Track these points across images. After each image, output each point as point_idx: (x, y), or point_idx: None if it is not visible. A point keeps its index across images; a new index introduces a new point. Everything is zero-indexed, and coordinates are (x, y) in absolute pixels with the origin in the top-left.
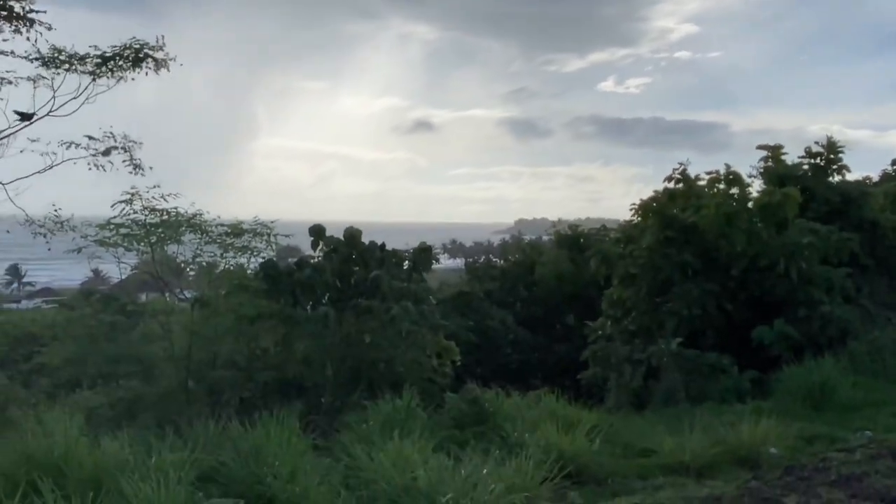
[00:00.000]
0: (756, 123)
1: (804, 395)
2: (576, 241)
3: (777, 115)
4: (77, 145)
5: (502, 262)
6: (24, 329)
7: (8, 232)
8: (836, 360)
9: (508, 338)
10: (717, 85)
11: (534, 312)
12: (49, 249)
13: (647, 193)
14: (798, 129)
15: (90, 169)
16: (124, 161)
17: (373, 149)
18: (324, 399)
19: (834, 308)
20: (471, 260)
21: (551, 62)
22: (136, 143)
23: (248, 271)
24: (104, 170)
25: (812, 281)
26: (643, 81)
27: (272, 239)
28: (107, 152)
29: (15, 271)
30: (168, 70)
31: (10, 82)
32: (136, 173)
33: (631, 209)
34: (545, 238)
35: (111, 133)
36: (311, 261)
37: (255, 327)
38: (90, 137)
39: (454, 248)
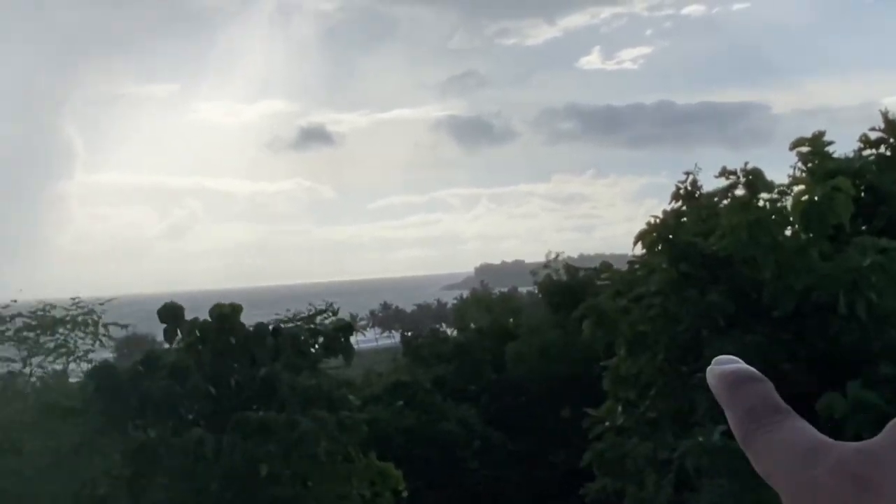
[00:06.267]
0: (808, 100)
1: None
2: (570, 292)
3: (837, 86)
4: None
5: (456, 332)
6: None
7: None
8: None
9: (473, 446)
10: (747, 50)
11: (509, 405)
12: None
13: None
14: (868, 104)
15: None
16: None
17: (251, 177)
18: None
19: None
20: (409, 334)
21: (507, 33)
22: None
23: (74, 379)
24: None
25: (890, 320)
26: (642, 52)
27: (101, 330)
28: None
29: None
30: None
31: None
32: None
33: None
34: (524, 290)
35: None
36: (168, 357)
37: (81, 467)
38: None
39: (387, 316)
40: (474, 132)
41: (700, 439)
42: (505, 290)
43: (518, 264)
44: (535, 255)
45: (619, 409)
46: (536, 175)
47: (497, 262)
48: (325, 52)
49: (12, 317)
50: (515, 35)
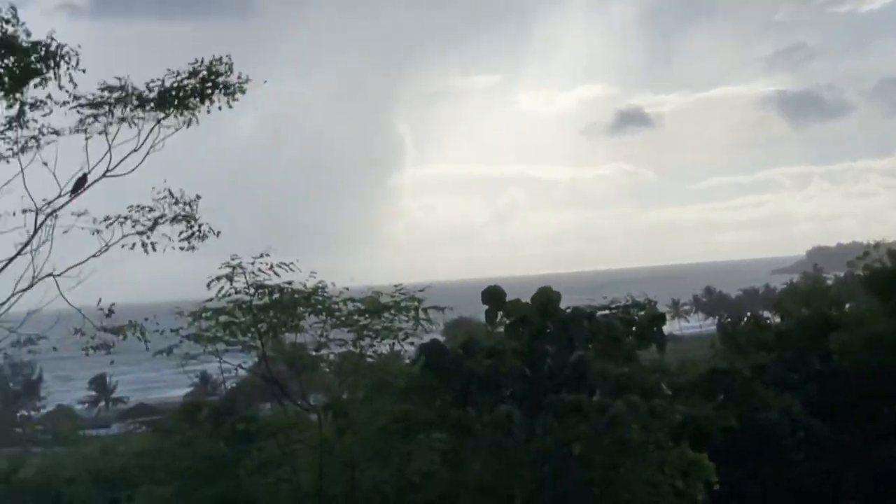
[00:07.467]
0: None
1: None
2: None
3: None
4: (123, 219)
5: (779, 318)
6: (108, 464)
7: (81, 333)
8: None
9: (797, 437)
10: None
11: (836, 396)
12: (148, 348)
13: None
14: None
15: (140, 248)
16: (181, 233)
17: (570, 164)
18: None
19: None
20: (727, 320)
21: (839, 0)
22: (192, 204)
23: (405, 359)
24: (153, 249)
25: None
26: None
27: (421, 314)
28: (153, 226)
29: (101, 385)
30: (239, 94)
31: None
32: (190, 248)
33: None
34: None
35: (168, 193)
36: (487, 341)
37: (408, 441)
38: (136, 207)
39: (711, 301)
40: (804, 107)
41: None
42: (840, 274)
43: (856, 246)
44: (874, 236)
45: None
46: (875, 150)
47: (832, 244)
48: (643, 33)
49: (345, 301)
50: (849, 1)
